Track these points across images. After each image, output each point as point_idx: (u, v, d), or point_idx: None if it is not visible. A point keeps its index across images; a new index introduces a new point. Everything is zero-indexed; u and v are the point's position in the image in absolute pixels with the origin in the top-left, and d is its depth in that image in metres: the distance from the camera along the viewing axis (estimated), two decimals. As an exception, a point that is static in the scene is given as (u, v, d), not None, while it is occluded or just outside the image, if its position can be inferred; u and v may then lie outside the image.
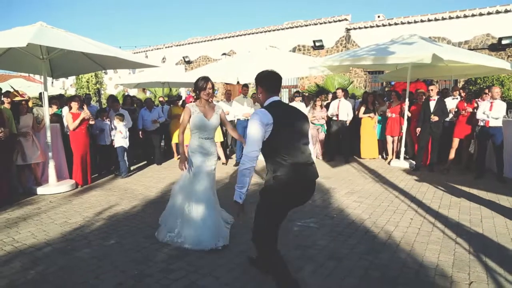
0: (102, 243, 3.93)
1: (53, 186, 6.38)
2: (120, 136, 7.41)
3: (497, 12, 13.14)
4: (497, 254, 3.53)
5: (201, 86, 3.90)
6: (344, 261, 3.41)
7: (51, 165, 6.46)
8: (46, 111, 6.45)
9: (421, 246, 3.73)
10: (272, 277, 2.63)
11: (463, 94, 8.20)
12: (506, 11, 12.98)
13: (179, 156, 9.66)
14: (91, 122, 7.19)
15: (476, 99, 7.95)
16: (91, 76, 19.89)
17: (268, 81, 2.76)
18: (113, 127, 7.59)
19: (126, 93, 18.25)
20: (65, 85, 26.14)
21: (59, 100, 8.13)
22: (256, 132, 2.48)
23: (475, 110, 7.34)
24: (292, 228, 4.31)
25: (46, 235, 4.20)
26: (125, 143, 7.45)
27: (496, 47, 13.17)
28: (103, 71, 13.33)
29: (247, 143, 2.51)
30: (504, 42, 12.80)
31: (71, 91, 22.51)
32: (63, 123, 7.22)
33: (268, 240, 2.64)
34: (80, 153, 6.75)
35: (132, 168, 8.32)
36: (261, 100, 2.77)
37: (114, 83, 22.26)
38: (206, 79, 3.94)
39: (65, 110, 7.21)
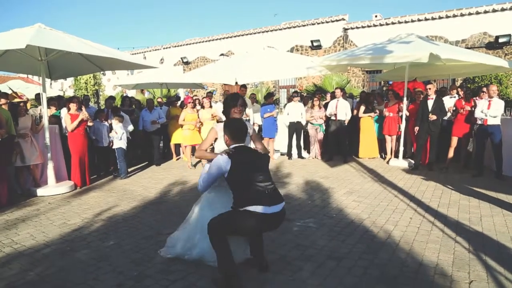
0: (101, 244, 3.92)
1: (52, 188, 6.37)
2: (115, 136, 7.40)
3: (494, 10, 13.18)
4: (497, 252, 3.53)
5: (231, 104, 3.49)
6: (343, 260, 3.40)
7: (50, 167, 6.45)
8: (45, 113, 6.44)
9: (421, 245, 3.73)
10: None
11: (461, 93, 8.20)
12: (503, 9, 13.03)
13: (178, 157, 9.77)
14: (90, 124, 7.18)
15: (474, 98, 7.96)
16: (90, 77, 19.89)
17: (231, 130, 3.12)
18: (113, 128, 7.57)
19: (124, 94, 18.23)
20: (64, 87, 26.13)
21: (57, 102, 8.12)
22: (213, 172, 3.02)
23: (473, 109, 7.35)
24: (291, 228, 4.31)
25: (45, 236, 4.19)
26: (123, 144, 7.44)
27: (493, 45, 13.23)
28: (102, 72, 13.32)
29: (204, 176, 3.13)
30: (501, 40, 12.85)
31: (70, 92, 22.51)
32: (61, 125, 7.21)
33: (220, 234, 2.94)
34: (78, 154, 6.74)
35: (130, 169, 8.30)
36: (227, 144, 3.18)
37: (112, 84, 22.24)
38: (235, 96, 3.57)
39: (64, 111, 7.20)
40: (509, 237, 3.92)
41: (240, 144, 3.13)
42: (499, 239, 3.88)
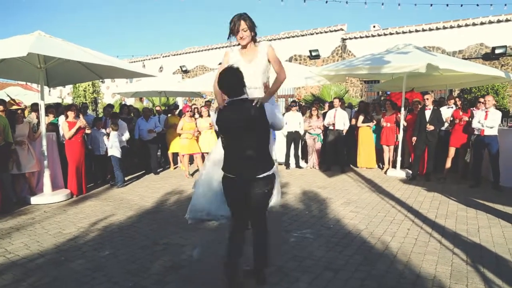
0: (96, 254, 3.88)
1: (48, 196, 6.33)
2: (107, 144, 7.38)
3: (490, 22, 13.30)
4: (495, 265, 3.52)
5: (232, 29, 3.13)
6: (340, 272, 3.38)
7: (46, 175, 6.42)
8: (43, 120, 6.42)
9: (418, 256, 3.71)
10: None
11: (459, 103, 8.23)
12: (499, 21, 13.14)
13: (175, 166, 9.74)
14: (87, 131, 7.17)
15: (472, 108, 7.99)
16: (88, 85, 19.92)
17: (219, 84, 2.83)
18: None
19: (123, 102, 18.25)
20: (62, 94, 26.13)
21: (55, 109, 8.11)
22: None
23: (470, 119, 7.38)
24: (288, 239, 4.28)
25: (40, 246, 4.15)
26: (117, 152, 7.40)
27: (490, 56, 13.31)
28: (100, 80, 13.36)
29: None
30: (497, 51, 12.95)
31: (68, 100, 22.51)
32: (59, 132, 7.19)
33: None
34: (75, 162, 6.71)
35: (127, 177, 8.27)
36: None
37: (111, 92, 22.28)
38: (237, 18, 3.10)
39: (62, 119, 7.19)
40: (507, 249, 3.90)
41: (234, 99, 2.84)
42: (497, 250, 3.86)
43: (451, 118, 7.96)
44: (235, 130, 2.79)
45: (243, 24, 3.05)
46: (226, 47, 17.04)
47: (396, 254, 3.78)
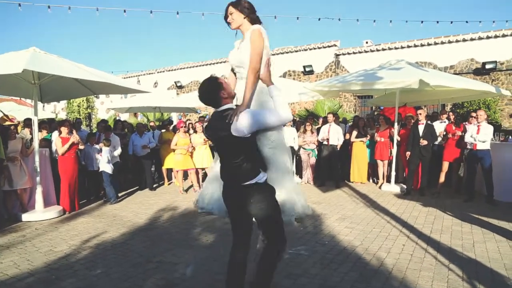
0: (88, 273, 3.81)
1: (40, 213, 6.24)
2: (101, 159, 7.34)
3: (480, 38, 13.57)
4: (491, 280, 3.50)
5: (224, 17, 2.95)
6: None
7: (39, 191, 6.34)
8: (36, 136, 6.38)
9: (414, 273, 3.68)
10: None
11: (452, 117, 8.29)
12: (488, 37, 13.42)
13: (170, 181, 9.68)
14: (81, 147, 7.13)
15: (464, 123, 8.07)
16: (82, 100, 19.88)
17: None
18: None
19: (117, 118, 18.23)
20: (56, 109, 26.07)
21: (49, 125, 8.07)
22: None
23: (463, 134, 7.44)
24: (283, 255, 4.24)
25: (30, 264, 4.07)
26: (109, 168, 7.34)
27: (480, 71, 13.53)
28: (95, 95, 13.35)
29: None
30: (487, 66, 13.17)
31: (62, 115, 22.44)
32: (51, 148, 7.14)
33: None
34: (68, 178, 6.65)
35: (121, 194, 8.19)
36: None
37: (106, 107, 22.25)
38: (227, 5, 2.92)
39: (55, 134, 7.15)
40: (502, 264, 3.89)
41: (216, 110, 2.71)
42: (492, 266, 3.85)
43: (444, 133, 8.03)
44: (216, 140, 2.82)
45: (230, 9, 2.88)
46: (221, 63, 17.21)
47: (391, 271, 3.75)
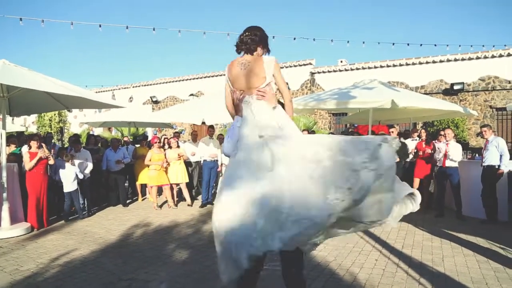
0: (56, 292, 3.68)
1: (5, 230, 6.00)
2: (64, 178, 7.15)
3: (448, 60, 14.21)
4: (459, 294, 3.59)
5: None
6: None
7: (5, 208, 6.11)
8: (3, 151, 6.18)
9: (386, 287, 3.74)
10: None
11: (423, 135, 8.50)
12: (456, 59, 14.07)
13: (144, 197, 9.53)
14: (50, 162, 6.93)
15: (434, 141, 8.34)
16: (54, 114, 19.44)
17: None
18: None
19: (91, 132, 17.88)
20: (27, 122, 25.31)
21: (17, 138, 7.83)
22: None
23: (433, 152, 7.68)
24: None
25: (-6, 284, 3.89)
26: (71, 187, 7.17)
27: (449, 91, 14.10)
28: (67, 109, 13.09)
29: None
30: (455, 87, 13.76)
31: (33, 129, 21.80)
32: (21, 163, 6.92)
33: None
34: (36, 194, 6.44)
35: (93, 209, 7.98)
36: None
37: (79, 121, 21.80)
38: None
39: (25, 149, 6.95)
40: (470, 277, 4.00)
41: None
42: (460, 279, 3.96)
43: (415, 150, 8.27)
44: None
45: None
46: (197, 78, 17.27)
47: (364, 286, 3.80)
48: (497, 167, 6.66)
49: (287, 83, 2.80)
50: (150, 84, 21.97)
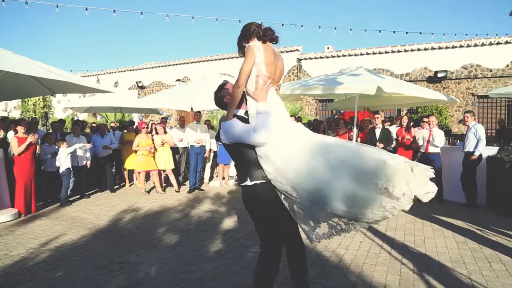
0: (48, 275, 3.73)
1: (-8, 216, 5.97)
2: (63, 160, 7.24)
3: (433, 48, 14.40)
4: (439, 272, 3.78)
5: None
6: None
7: (-9, 194, 6.06)
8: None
9: (370, 267, 3.91)
10: None
11: (404, 122, 8.66)
12: (440, 48, 14.27)
13: (131, 183, 9.53)
14: (38, 150, 6.86)
15: (417, 127, 8.52)
16: (39, 99, 19.05)
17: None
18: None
19: (75, 117, 17.63)
20: (8, 107, 24.77)
21: (4, 123, 7.71)
22: None
23: (411, 139, 7.89)
24: (246, 254, 4.34)
25: (-16, 269, 3.92)
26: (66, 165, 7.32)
27: (433, 79, 14.34)
28: (52, 94, 12.87)
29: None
30: (439, 75, 14.00)
31: (15, 114, 21.36)
32: (6, 148, 6.83)
33: None
34: (24, 179, 6.40)
35: (85, 194, 7.98)
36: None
37: (63, 106, 21.43)
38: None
39: (11, 134, 6.87)
40: (449, 257, 4.21)
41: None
42: (440, 259, 4.15)
43: (396, 137, 8.46)
44: None
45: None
46: (184, 63, 17.04)
47: (349, 266, 3.96)
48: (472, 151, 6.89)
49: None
50: (136, 69, 21.66)
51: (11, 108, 24.51)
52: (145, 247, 4.60)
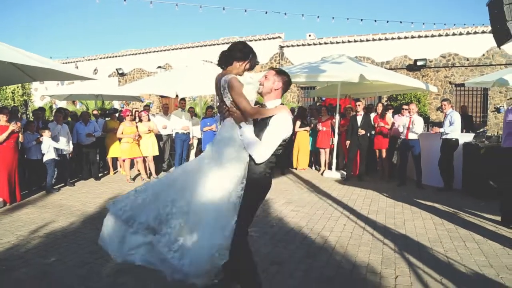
0: (42, 261, 3.78)
1: (-23, 205, 5.92)
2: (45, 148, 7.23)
3: (412, 37, 14.69)
4: (417, 251, 4.02)
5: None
6: (285, 265, 3.65)
7: (-25, 182, 5.99)
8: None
9: (354, 248, 4.12)
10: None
11: (379, 110, 8.87)
12: (419, 36, 14.57)
13: (115, 171, 9.51)
14: (20, 139, 6.78)
15: (397, 115, 8.78)
16: (17, 87, 18.54)
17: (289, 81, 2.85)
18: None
19: (54, 105, 17.29)
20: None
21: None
22: (282, 133, 2.65)
23: (397, 125, 8.14)
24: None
25: (-24, 256, 3.93)
26: (52, 155, 7.29)
27: (413, 67, 14.67)
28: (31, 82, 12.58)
29: (265, 144, 2.61)
30: (418, 63, 14.32)
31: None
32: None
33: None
34: (7, 168, 6.33)
35: (64, 183, 7.94)
36: (272, 96, 2.80)
37: (40, 94, 20.93)
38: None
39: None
40: (427, 238, 4.46)
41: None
42: (419, 239, 4.41)
43: (373, 124, 8.71)
44: None
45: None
46: (165, 50, 16.77)
47: (334, 247, 4.16)
48: (442, 132, 7.21)
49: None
50: (116, 56, 21.27)
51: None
52: (136, 233, 4.68)
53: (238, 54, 2.86)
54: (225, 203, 2.55)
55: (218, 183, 2.59)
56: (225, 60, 2.90)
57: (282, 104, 2.81)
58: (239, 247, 2.61)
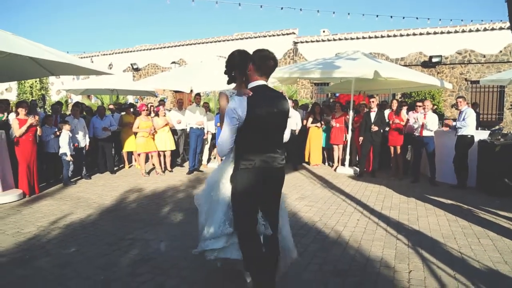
0: (62, 251, 3.90)
1: (-2, 196, 6.09)
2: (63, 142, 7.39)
3: (428, 33, 14.51)
4: (431, 247, 4.03)
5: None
6: (299, 258, 3.69)
7: (-4, 174, 6.17)
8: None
9: (367, 242, 4.14)
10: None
11: (394, 106, 8.81)
12: (435, 33, 14.39)
13: (130, 164, 9.66)
14: (38, 133, 6.95)
15: (411, 111, 8.72)
16: (35, 81, 18.86)
17: (261, 59, 2.68)
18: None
19: (69, 100, 17.56)
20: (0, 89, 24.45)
21: (4, 105, 7.75)
22: (229, 121, 2.51)
23: (402, 123, 8.12)
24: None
25: (-1, 245, 4.08)
26: (70, 150, 7.45)
27: (428, 64, 14.50)
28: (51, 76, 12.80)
29: (219, 140, 2.62)
30: (434, 60, 14.15)
31: (8, 96, 21.14)
32: (8, 130, 6.90)
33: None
34: (26, 161, 6.51)
35: (85, 175, 8.12)
36: (248, 80, 2.71)
37: (56, 88, 21.25)
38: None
39: (12, 116, 6.93)
40: (441, 234, 4.46)
41: (263, 83, 2.65)
42: (433, 235, 4.41)
43: (387, 120, 8.66)
44: (275, 115, 2.66)
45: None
46: (179, 46, 16.86)
47: (348, 241, 4.19)
48: (454, 125, 7.20)
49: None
50: (131, 51, 21.46)
51: (3, 90, 24.23)
52: (152, 225, 4.78)
53: (229, 68, 3.12)
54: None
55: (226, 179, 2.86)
56: (229, 76, 3.14)
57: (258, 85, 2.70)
58: (242, 237, 2.76)
